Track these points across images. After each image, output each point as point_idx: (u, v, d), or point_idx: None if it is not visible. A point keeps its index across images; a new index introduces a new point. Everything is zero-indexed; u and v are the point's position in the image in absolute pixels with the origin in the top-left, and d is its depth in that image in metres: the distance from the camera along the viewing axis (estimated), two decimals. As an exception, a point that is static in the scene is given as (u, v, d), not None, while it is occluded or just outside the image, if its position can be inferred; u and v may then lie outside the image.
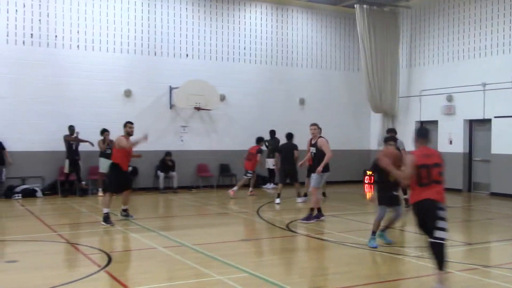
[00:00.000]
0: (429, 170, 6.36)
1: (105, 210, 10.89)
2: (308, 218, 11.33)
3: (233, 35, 19.12)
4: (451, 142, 18.27)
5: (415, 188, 6.42)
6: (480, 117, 17.48)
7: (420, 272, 7.55)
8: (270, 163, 18.62)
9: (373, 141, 21.11)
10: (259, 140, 17.16)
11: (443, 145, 18.57)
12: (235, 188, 16.07)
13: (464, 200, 16.47)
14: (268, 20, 19.79)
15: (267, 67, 19.73)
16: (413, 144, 6.73)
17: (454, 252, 9.02)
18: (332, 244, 9.48)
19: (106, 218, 10.86)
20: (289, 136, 15.35)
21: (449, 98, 18.39)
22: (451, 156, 18.23)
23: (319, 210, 11.50)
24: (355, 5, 19.37)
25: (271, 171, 18.76)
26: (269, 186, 18.63)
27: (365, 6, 19.38)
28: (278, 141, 18.41)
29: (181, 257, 8.26)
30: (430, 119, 19.16)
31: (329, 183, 18.35)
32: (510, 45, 16.23)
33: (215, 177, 18.68)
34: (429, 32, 19.38)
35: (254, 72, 19.46)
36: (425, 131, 6.82)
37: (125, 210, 11.74)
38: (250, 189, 16.58)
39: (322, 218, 11.50)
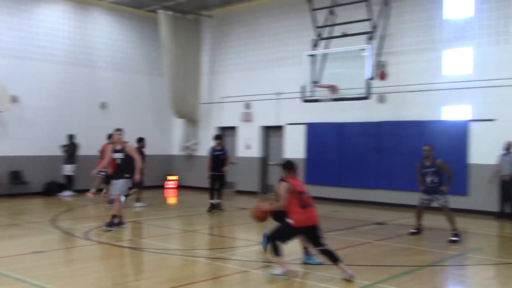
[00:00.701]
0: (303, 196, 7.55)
1: None
2: (110, 224, 11.01)
3: (28, 32, 17.71)
4: (248, 147, 19.28)
5: (297, 211, 7.40)
6: (274, 124, 18.76)
7: (219, 273, 7.80)
8: (68, 169, 17.71)
9: (175, 146, 21.34)
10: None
11: (241, 151, 19.57)
12: (92, 190, 15.03)
13: (259, 201, 17.40)
14: (68, 19, 18.76)
15: (67, 67, 18.70)
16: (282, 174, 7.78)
17: (249, 251, 9.52)
18: (133, 250, 9.33)
19: None
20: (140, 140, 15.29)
21: (247, 106, 19.41)
22: (249, 160, 19.30)
23: (120, 217, 11.25)
24: (158, 11, 19.41)
25: (68, 177, 17.82)
26: (66, 193, 17.64)
27: (168, 12, 19.51)
28: (75, 145, 17.61)
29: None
30: (230, 125, 20.03)
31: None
32: (300, 57, 17.64)
33: (4, 185, 17.06)
34: (230, 42, 20.25)
35: (53, 73, 18.29)
36: (291, 164, 7.90)
37: None
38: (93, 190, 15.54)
39: (123, 226, 11.28)
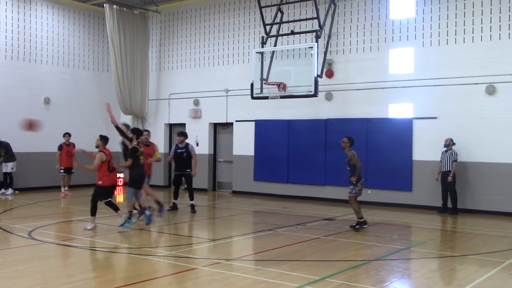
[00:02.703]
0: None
1: None
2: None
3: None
4: (197, 144, 19.16)
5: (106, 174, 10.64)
6: (223, 120, 18.72)
7: (168, 270, 7.73)
8: (9, 167, 17.11)
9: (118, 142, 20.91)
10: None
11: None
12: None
13: (209, 198, 17.42)
14: (8, 11, 18.10)
15: (8, 62, 18.04)
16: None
17: (199, 248, 9.49)
18: (78, 249, 9.10)
19: None
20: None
21: (196, 102, 19.29)
22: (198, 157, 19.15)
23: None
24: (104, 5, 18.99)
25: (9, 175, 17.20)
26: (8, 191, 17.05)
27: (114, 6, 19.12)
28: (7, 144, 16.99)
29: None
30: (179, 122, 19.85)
31: (79, 186, 17.84)
32: (249, 55, 17.70)
33: None
34: (178, 38, 20.06)
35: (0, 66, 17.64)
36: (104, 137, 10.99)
37: None
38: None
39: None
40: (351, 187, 11.22)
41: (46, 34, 19.16)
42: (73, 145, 16.69)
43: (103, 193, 10.69)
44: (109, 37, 19.14)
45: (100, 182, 10.61)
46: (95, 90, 20.55)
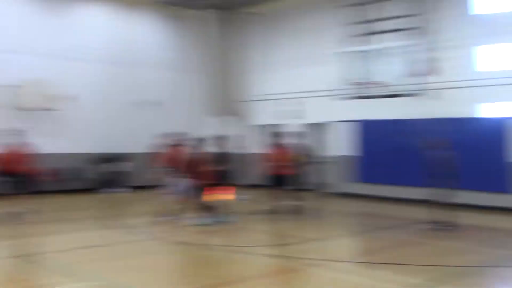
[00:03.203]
0: None
1: None
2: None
3: (78, 33, 18.28)
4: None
5: None
6: (324, 120, 18.59)
7: (273, 269, 7.85)
8: (124, 166, 18.23)
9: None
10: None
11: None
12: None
13: (312, 199, 17.37)
14: (115, 19, 19.24)
15: (114, 67, 19.10)
16: None
17: (304, 248, 9.52)
18: (185, 246, 9.47)
19: None
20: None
21: (296, 103, 19.31)
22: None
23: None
24: (207, 9, 19.56)
25: (123, 174, 18.29)
26: (122, 189, 18.16)
27: (217, 10, 19.63)
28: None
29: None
30: (278, 123, 19.98)
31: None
32: (349, 54, 17.35)
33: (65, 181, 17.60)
34: (277, 38, 20.15)
35: (100, 72, 18.77)
36: None
37: None
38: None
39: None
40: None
41: (152, 39, 20.10)
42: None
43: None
44: (210, 40, 19.64)
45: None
46: (197, 92, 21.23)
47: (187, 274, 7.81)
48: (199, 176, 11.48)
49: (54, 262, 8.11)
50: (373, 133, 17.15)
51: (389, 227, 11.45)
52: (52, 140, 16.45)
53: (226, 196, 12.40)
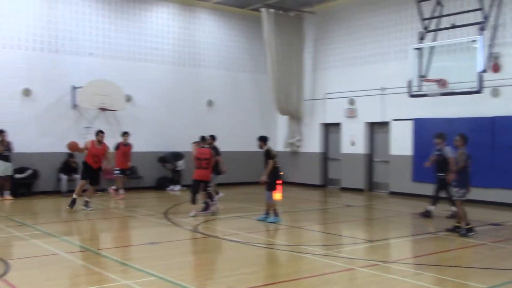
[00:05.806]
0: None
1: (74, 196, 13.27)
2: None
3: (140, 34, 18.69)
4: (353, 144, 19.01)
5: None
6: (379, 120, 18.34)
7: (325, 269, 7.78)
8: (178, 165, 18.55)
9: (279, 142, 21.46)
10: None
11: (346, 147, 19.35)
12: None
13: (365, 199, 17.19)
14: (175, 21, 19.56)
15: (175, 67, 19.50)
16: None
17: (356, 249, 9.42)
18: (239, 244, 9.53)
19: (73, 203, 13.17)
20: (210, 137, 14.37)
21: (351, 102, 19.14)
22: (354, 157, 19.03)
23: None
24: (261, 9, 19.64)
25: (177, 172, 18.62)
26: (176, 188, 18.47)
27: (271, 10, 19.69)
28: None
29: (85, 262, 7.97)
30: (334, 122, 19.86)
31: (233, 184, 18.57)
32: (405, 51, 17.10)
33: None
34: (332, 37, 20.06)
35: (162, 73, 19.17)
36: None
37: (87, 202, 13.31)
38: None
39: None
40: (455, 189, 10.58)
41: (208, 40, 20.35)
42: (131, 145, 16.36)
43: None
44: (266, 40, 19.76)
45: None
46: (252, 91, 21.37)
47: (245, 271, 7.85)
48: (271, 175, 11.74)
49: (119, 256, 8.31)
50: (425, 132, 16.73)
51: (443, 229, 11.11)
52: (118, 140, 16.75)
53: (279, 195, 12.55)
